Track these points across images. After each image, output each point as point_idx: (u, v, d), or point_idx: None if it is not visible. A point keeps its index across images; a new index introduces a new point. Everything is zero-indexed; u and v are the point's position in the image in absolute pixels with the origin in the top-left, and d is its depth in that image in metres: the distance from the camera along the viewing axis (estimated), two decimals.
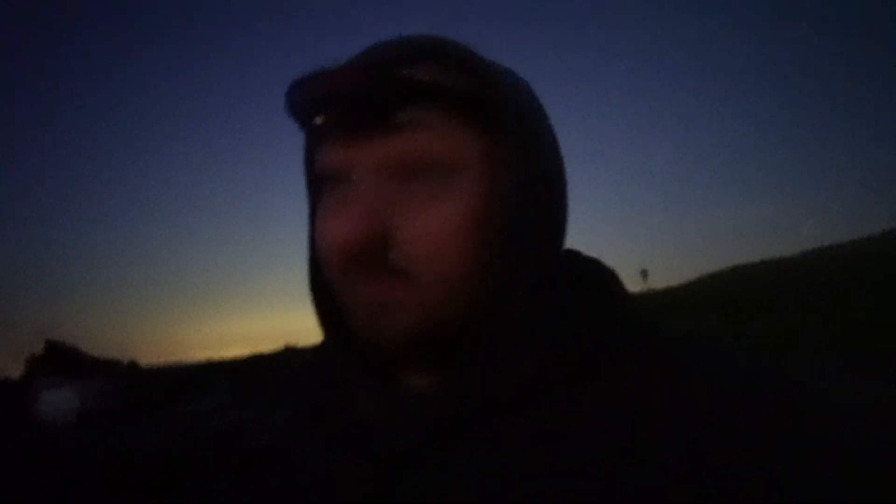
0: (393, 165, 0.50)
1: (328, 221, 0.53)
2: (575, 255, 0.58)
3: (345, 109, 0.50)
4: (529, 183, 0.52)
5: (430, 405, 0.51)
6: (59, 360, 44.57)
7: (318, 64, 0.52)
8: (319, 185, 0.56)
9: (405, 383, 0.55)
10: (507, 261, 0.50)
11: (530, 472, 0.46)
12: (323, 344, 0.63)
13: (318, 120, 0.52)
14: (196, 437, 14.14)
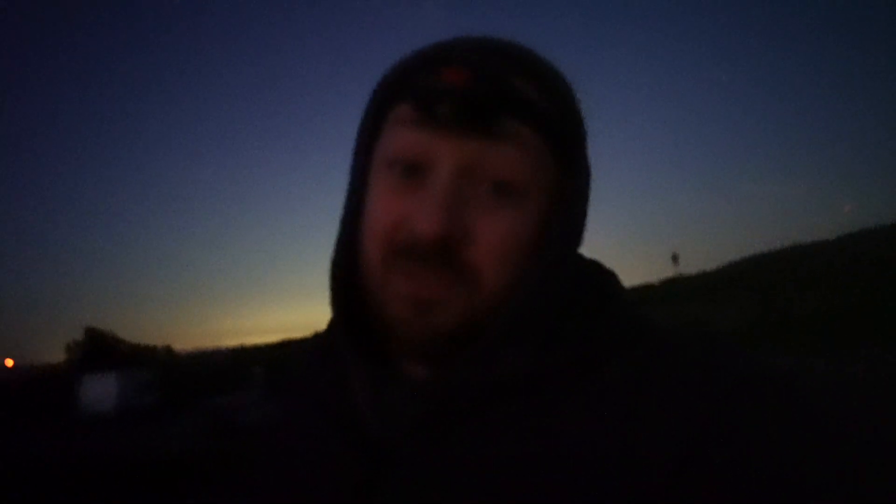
0: (478, 171, 0.50)
1: (392, 205, 0.52)
2: (580, 257, 0.59)
3: (454, 104, 0.49)
4: (582, 210, 0.55)
5: (422, 395, 0.51)
6: (98, 347, 45.87)
7: (419, 50, 0.54)
8: (385, 164, 0.54)
9: (403, 372, 0.55)
10: (545, 273, 0.52)
11: (519, 461, 0.46)
12: (328, 329, 0.63)
13: (419, 105, 0.51)
14: (232, 431, 14.42)
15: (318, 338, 0.65)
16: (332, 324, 0.61)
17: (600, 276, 0.57)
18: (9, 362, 52.01)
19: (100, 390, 26.61)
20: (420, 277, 0.50)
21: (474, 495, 0.47)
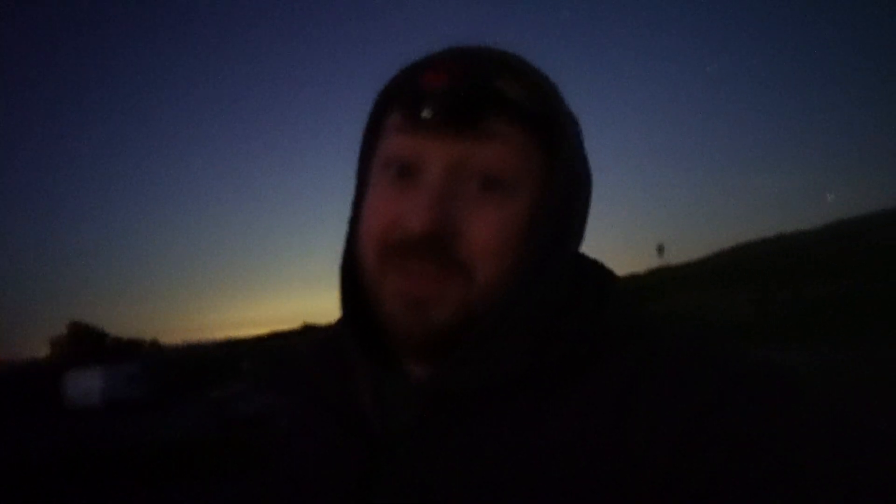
0: (466, 169, 0.52)
1: (386, 204, 0.54)
2: (579, 256, 0.60)
3: (439, 105, 0.52)
4: (572, 199, 0.56)
5: (423, 390, 0.52)
6: (83, 341, 45.53)
7: (413, 57, 0.55)
8: (377, 167, 0.57)
9: (404, 369, 0.56)
10: (538, 266, 0.53)
11: (516, 458, 0.48)
12: (335, 326, 0.65)
13: (407, 109, 0.54)
14: (226, 423, 14.40)
15: (323, 335, 0.67)
16: (339, 322, 0.62)
17: (600, 275, 0.58)
18: None
19: (85, 385, 26.46)
20: (414, 274, 0.51)
21: (472, 491, 0.48)
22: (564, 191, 0.55)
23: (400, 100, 0.54)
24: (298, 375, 0.69)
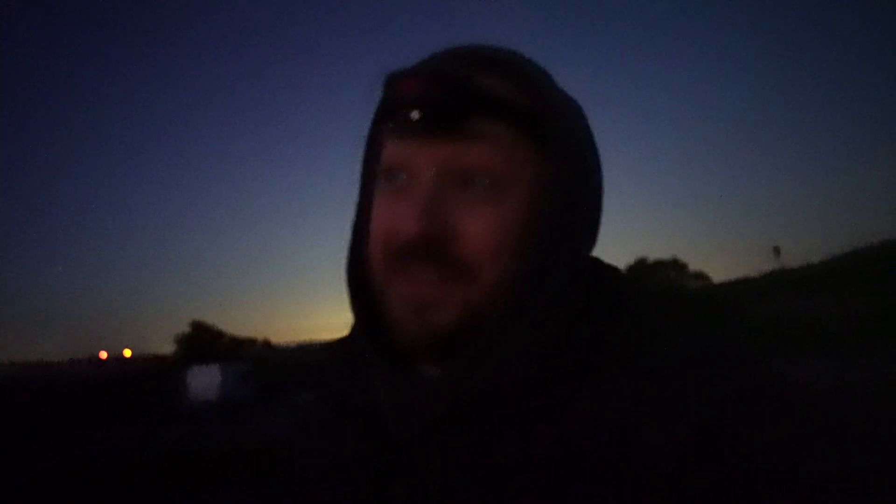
0: (455, 171, 0.52)
1: (385, 212, 0.55)
2: (595, 261, 0.60)
3: (418, 111, 0.52)
4: (572, 198, 0.55)
5: (438, 394, 0.53)
6: (203, 339, 48.68)
7: (397, 63, 0.56)
8: (378, 176, 0.58)
9: (418, 372, 0.57)
10: (542, 267, 0.53)
11: (527, 460, 0.48)
12: (351, 331, 0.66)
13: (392, 118, 0.55)
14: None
15: (342, 340, 0.68)
16: (354, 326, 0.64)
17: (615, 281, 0.58)
18: (127, 352, 56.31)
19: (204, 381, 28.08)
20: (416, 278, 0.53)
21: (484, 491, 0.48)
22: (562, 187, 0.54)
23: (387, 108, 0.56)
24: (318, 380, 0.71)
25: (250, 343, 55.76)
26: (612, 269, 0.60)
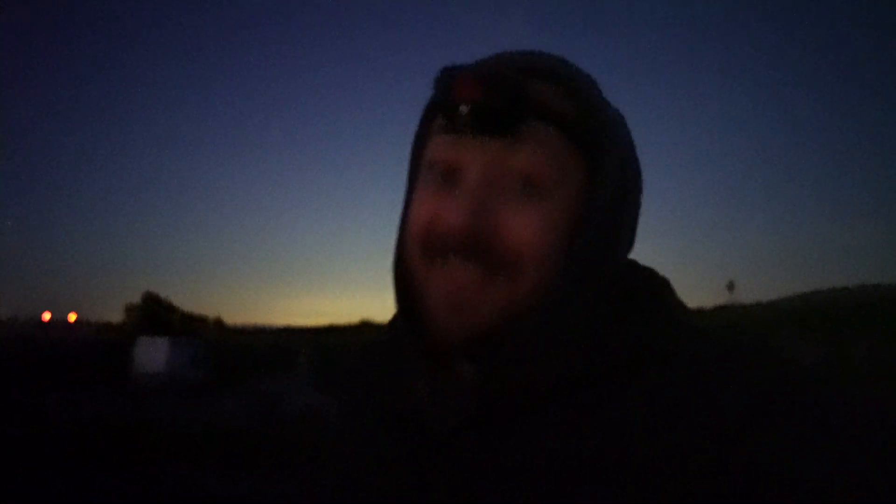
0: (504, 171, 0.54)
1: (428, 203, 0.56)
2: (633, 263, 0.61)
3: (473, 111, 0.53)
4: (615, 205, 0.57)
5: (475, 391, 0.54)
6: (155, 311, 47.65)
7: (459, 60, 0.58)
8: (422, 168, 0.59)
9: (456, 369, 0.57)
10: (584, 270, 0.54)
11: (561, 459, 0.49)
12: (390, 325, 0.66)
13: (444, 114, 0.56)
14: (276, 418, 14.77)
15: (377, 332, 0.69)
16: (394, 319, 0.65)
17: (653, 285, 0.59)
18: (71, 316, 54.71)
19: (153, 354, 27.42)
20: (457, 276, 0.53)
21: (522, 488, 0.49)
22: (608, 194, 0.56)
23: (440, 106, 0.57)
24: (353, 374, 0.72)
25: (202, 321, 54.85)
26: (649, 271, 0.61)
